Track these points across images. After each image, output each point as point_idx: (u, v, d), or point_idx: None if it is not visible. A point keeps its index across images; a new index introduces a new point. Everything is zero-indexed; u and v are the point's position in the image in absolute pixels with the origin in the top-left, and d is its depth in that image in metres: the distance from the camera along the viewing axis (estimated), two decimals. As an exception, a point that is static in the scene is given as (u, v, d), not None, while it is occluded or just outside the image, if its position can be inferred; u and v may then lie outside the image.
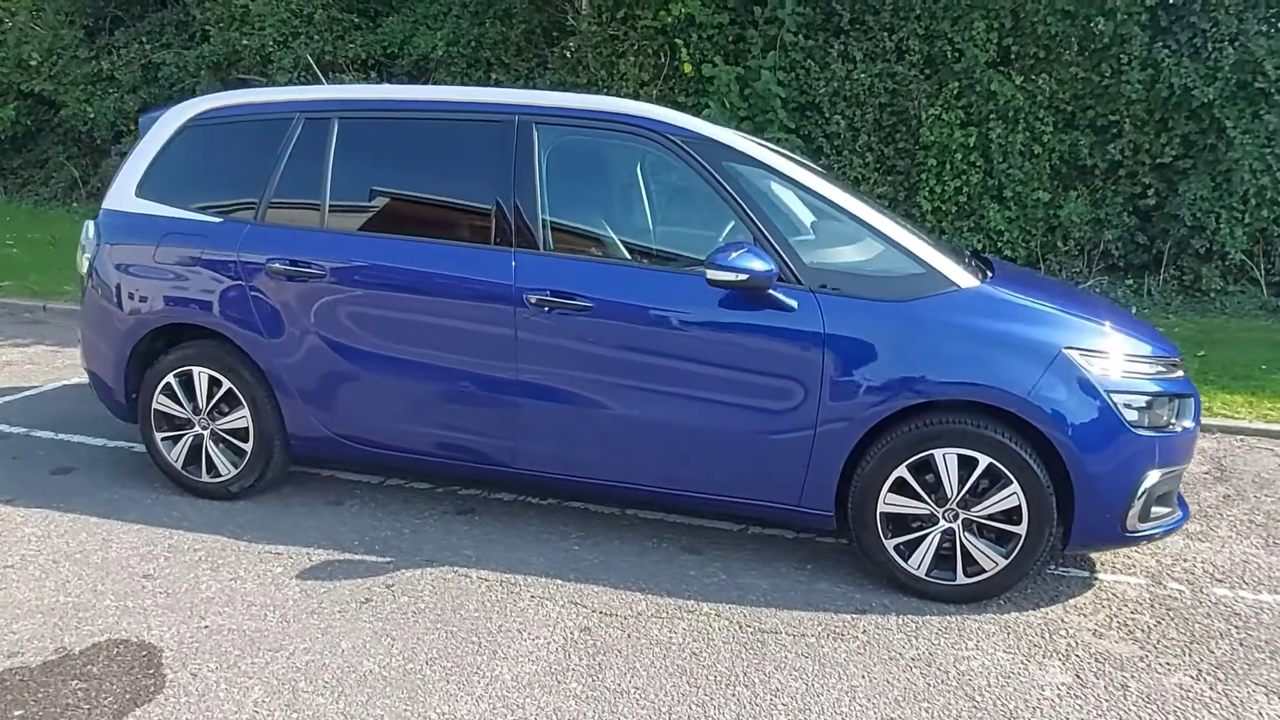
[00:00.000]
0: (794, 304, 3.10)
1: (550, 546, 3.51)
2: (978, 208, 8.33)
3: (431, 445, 3.58)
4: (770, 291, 3.08)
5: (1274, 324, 7.46)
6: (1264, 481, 4.52)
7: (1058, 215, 8.17)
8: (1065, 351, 3.00)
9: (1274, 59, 7.30)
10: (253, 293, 3.62)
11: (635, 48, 9.15)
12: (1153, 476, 3.05)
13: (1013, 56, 8.26)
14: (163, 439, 3.86)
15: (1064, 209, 8.11)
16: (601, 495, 3.75)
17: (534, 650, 2.79)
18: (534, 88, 9.63)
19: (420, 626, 2.90)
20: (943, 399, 3.03)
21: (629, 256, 3.41)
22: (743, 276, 3.00)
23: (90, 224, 4.00)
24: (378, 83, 9.83)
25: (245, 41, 10.46)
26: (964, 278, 3.17)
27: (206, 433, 3.80)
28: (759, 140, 3.58)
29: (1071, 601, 3.22)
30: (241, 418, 3.74)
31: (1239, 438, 5.18)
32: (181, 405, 3.80)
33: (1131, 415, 3.01)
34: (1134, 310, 7.27)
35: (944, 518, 3.10)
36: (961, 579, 3.11)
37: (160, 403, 3.82)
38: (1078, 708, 2.60)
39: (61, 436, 4.64)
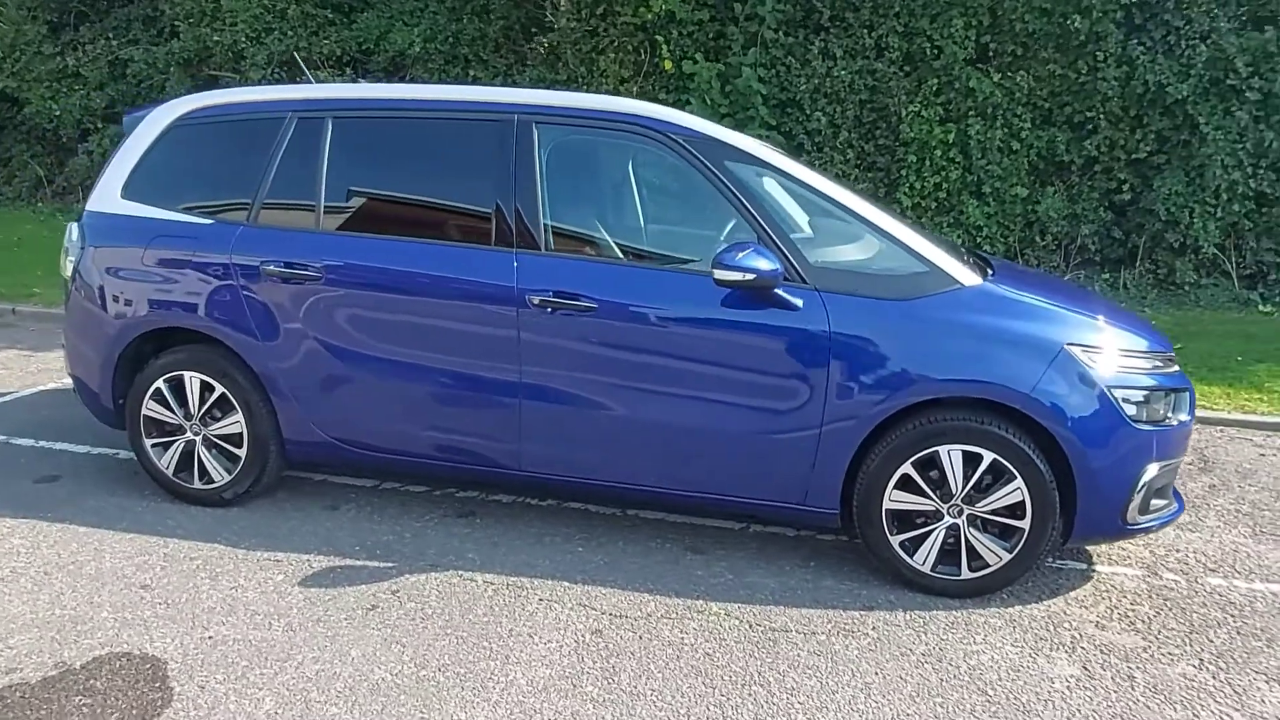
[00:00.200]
0: (799, 303, 3.11)
1: (554, 549, 3.49)
2: (957, 203, 8.41)
3: (432, 448, 3.54)
4: (776, 291, 3.09)
5: (1246, 316, 7.62)
6: (1246, 471, 4.62)
7: (1035, 210, 8.28)
8: (1067, 348, 3.03)
9: (1245, 56, 7.45)
10: (246, 295, 3.55)
11: (615, 44, 9.12)
12: (1152, 470, 3.10)
13: (991, 54, 8.35)
14: (153, 445, 3.78)
15: (1042, 204, 8.22)
16: (605, 496, 3.74)
17: (547, 654, 2.77)
18: (513, 85, 9.56)
19: (429, 632, 2.87)
20: (947, 396, 3.06)
21: (632, 257, 3.39)
22: (750, 276, 3.00)
23: (74, 226, 3.90)
24: (353, 80, 9.71)
25: (216, 38, 10.27)
26: (967, 275, 3.19)
27: (199, 438, 3.73)
28: (759, 139, 3.58)
29: (1072, 594, 3.26)
30: (235, 423, 3.67)
31: (1219, 429, 5.28)
32: (172, 411, 3.72)
33: (1131, 410, 3.06)
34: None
35: (949, 513, 3.12)
36: (966, 574, 3.14)
37: (150, 408, 3.74)
38: (1088, 699, 2.63)
39: (43, 444, 4.53)
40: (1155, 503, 3.20)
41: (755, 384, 3.15)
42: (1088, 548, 3.57)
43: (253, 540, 3.49)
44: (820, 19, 8.63)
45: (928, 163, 8.37)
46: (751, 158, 3.29)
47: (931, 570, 3.17)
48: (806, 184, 3.32)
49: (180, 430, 3.74)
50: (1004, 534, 3.12)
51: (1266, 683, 2.74)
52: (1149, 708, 2.61)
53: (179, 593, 3.08)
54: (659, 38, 8.78)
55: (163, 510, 3.74)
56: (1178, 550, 3.66)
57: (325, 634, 2.85)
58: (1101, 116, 7.99)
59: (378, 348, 3.47)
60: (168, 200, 3.75)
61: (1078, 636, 2.98)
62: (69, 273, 3.88)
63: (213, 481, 3.75)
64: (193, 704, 2.50)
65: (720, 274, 3.03)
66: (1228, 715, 2.59)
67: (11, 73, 11.40)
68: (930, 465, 3.10)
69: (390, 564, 3.33)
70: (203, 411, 3.70)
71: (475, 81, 9.66)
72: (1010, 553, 3.10)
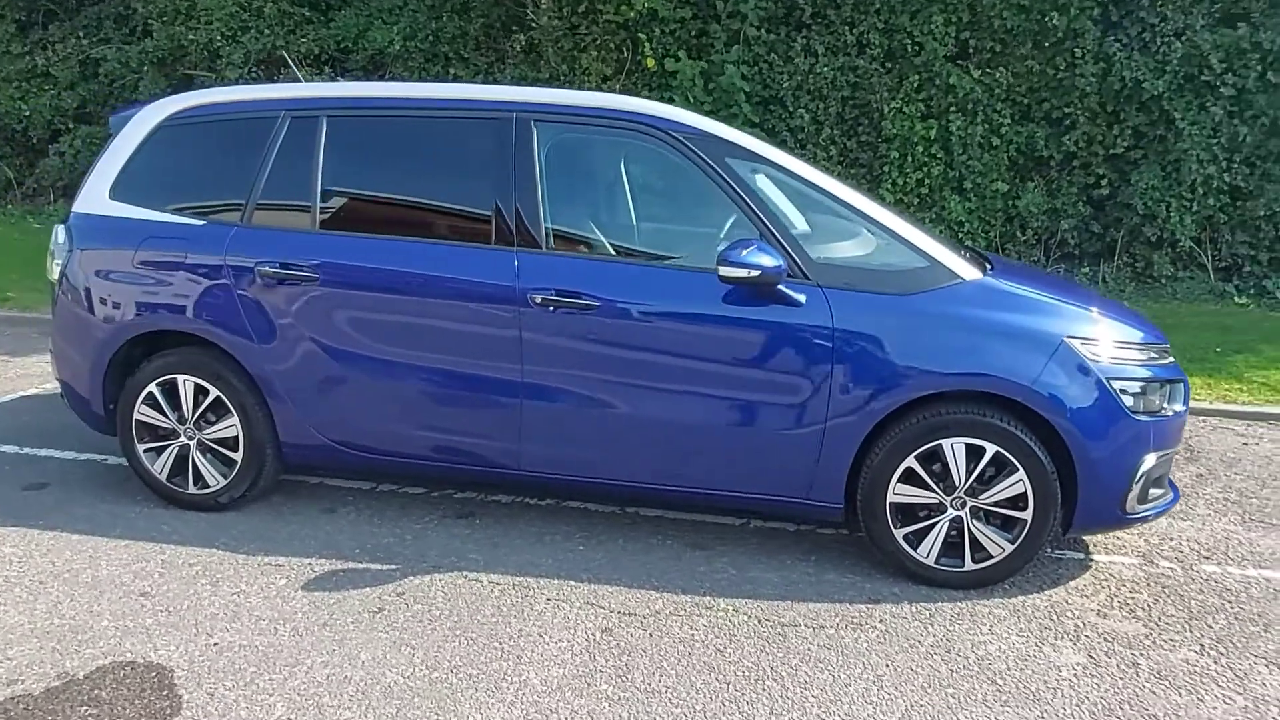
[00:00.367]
0: (802, 299, 3.12)
1: (556, 548, 3.48)
2: (939, 199, 8.49)
3: (431, 449, 3.52)
4: (780, 287, 3.10)
5: (1222, 308, 7.77)
6: (1231, 460, 4.70)
7: (1016, 205, 8.38)
8: (1067, 341, 3.07)
9: (1218, 53, 7.59)
10: (242, 297, 3.50)
11: (597, 42, 9.10)
12: (1150, 460, 3.15)
13: (970, 50, 8.44)
14: (145, 450, 3.71)
15: (1022, 199, 8.32)
16: (607, 495, 3.73)
17: (558, 653, 2.76)
18: (494, 82, 9.51)
19: (438, 634, 2.85)
20: (950, 390, 3.08)
21: (633, 254, 3.39)
22: (755, 273, 3.01)
23: (60, 228, 3.82)
24: (331, 78, 9.60)
25: (191, 36, 10.10)
26: (967, 270, 3.22)
27: (193, 443, 3.67)
28: (759, 136, 3.59)
29: (1072, 583, 3.31)
30: (231, 426, 3.62)
31: (1202, 419, 5.37)
32: (165, 415, 3.66)
33: (1129, 401, 3.10)
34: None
35: (952, 506, 3.15)
36: (970, 565, 3.18)
37: (142, 413, 3.67)
38: (1096, 686, 2.67)
39: (27, 451, 4.44)
40: (1153, 492, 3.26)
41: (759, 380, 3.16)
42: (1084, 538, 3.62)
43: (252, 545, 3.45)
44: (802, 16, 8.67)
45: (910, 159, 8.44)
46: (752, 154, 3.30)
47: (935, 563, 3.19)
48: (807, 180, 3.33)
49: (174, 435, 3.68)
50: (1006, 525, 3.15)
51: (1266, 666, 2.80)
52: (1155, 693, 2.65)
53: (180, 599, 3.04)
54: (641, 35, 8.78)
55: (156, 516, 3.68)
56: (1171, 539, 3.72)
57: (333, 638, 2.82)
58: (1080, 112, 8.10)
59: (376, 349, 3.44)
60: (157, 201, 3.68)
61: (1081, 625, 3.02)
62: (56, 276, 3.80)
63: (208, 486, 3.69)
64: (202, 711, 2.46)
65: (725, 271, 3.03)
66: (1230, 699, 2.64)
67: (-21, 73, 11.16)
68: (933, 458, 3.13)
69: (393, 566, 3.30)
70: (197, 415, 3.65)
71: (456, 79, 9.60)
72: (1013, 544, 3.14)
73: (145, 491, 3.81)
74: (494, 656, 2.74)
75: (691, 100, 8.62)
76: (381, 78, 9.90)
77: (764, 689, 2.62)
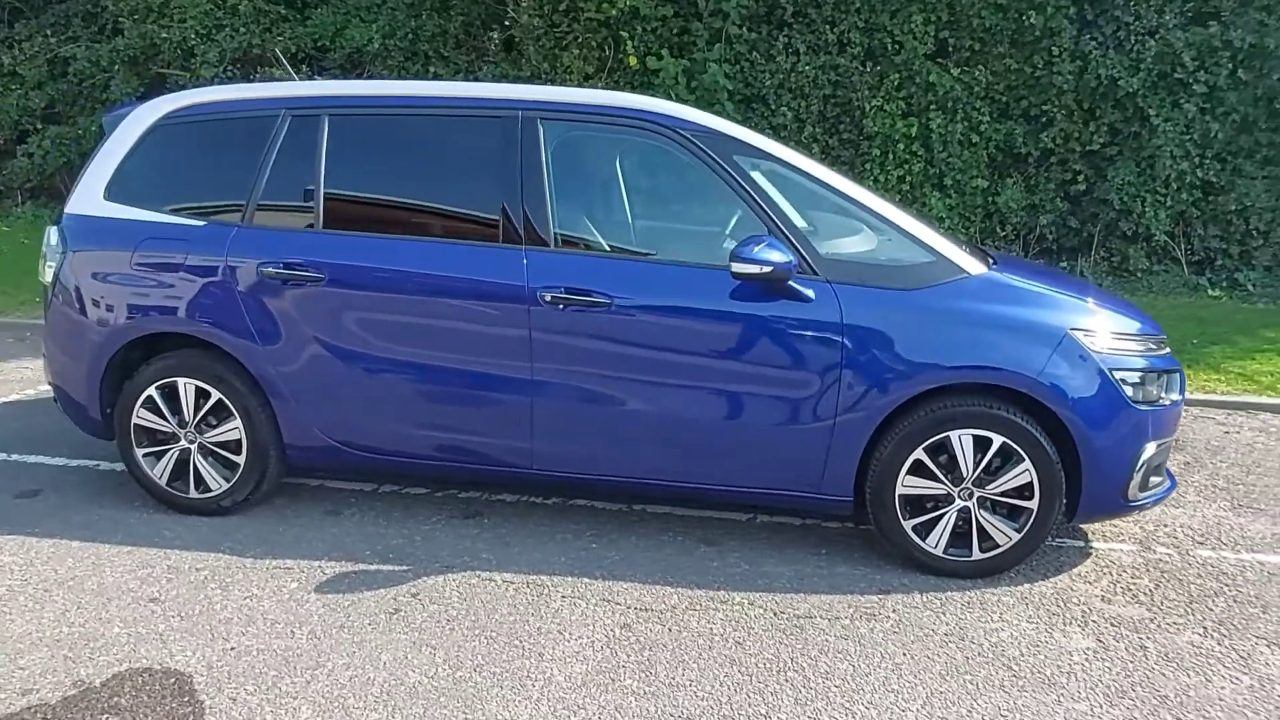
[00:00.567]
0: (812, 294, 3.16)
1: (567, 546, 3.48)
2: (920, 196, 8.59)
3: (441, 449, 3.51)
4: (790, 283, 3.13)
5: (1196, 300, 7.94)
6: (1215, 448, 4.82)
7: (995, 202, 8.51)
8: (1070, 333, 3.14)
9: (1190, 51, 7.76)
10: (244, 298, 3.46)
11: (578, 40, 9.09)
12: (1150, 449, 3.22)
13: (950, 49, 8.55)
14: (144, 455, 3.66)
15: (1001, 195, 8.45)
16: (617, 491, 3.73)
17: (580, 650, 2.77)
18: (475, 80, 9.46)
19: (458, 634, 2.85)
20: (958, 382, 3.13)
21: (642, 251, 3.40)
22: (767, 269, 3.04)
23: (52, 230, 3.75)
24: (309, 77, 9.49)
25: (164, 34, 9.92)
26: (972, 265, 3.28)
27: (194, 446, 3.62)
28: (763, 134, 3.61)
29: (1075, 570, 3.38)
30: (233, 429, 3.58)
31: (1184, 408, 5.49)
32: (165, 419, 3.61)
33: (1129, 391, 3.17)
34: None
35: (959, 497, 3.20)
36: (977, 554, 3.23)
37: (141, 417, 3.62)
38: (1107, 669, 2.73)
39: (15, 457, 4.35)
40: (1153, 480, 3.34)
41: (771, 376, 3.19)
42: (1082, 526, 3.70)
43: (258, 549, 3.41)
44: (783, 15, 8.73)
45: (891, 156, 8.53)
46: (759, 151, 3.33)
47: (944, 553, 3.24)
48: (813, 176, 3.37)
49: (174, 438, 3.63)
50: (1012, 515, 3.21)
51: (1268, 647, 2.88)
52: (1164, 675, 2.72)
53: (191, 605, 3.00)
54: (623, 33, 8.78)
55: (157, 521, 3.63)
56: (1165, 525, 3.81)
57: (351, 640, 2.80)
58: (1057, 110, 8.24)
59: (384, 348, 3.42)
60: (154, 201, 3.63)
61: (1087, 611, 3.08)
62: (49, 279, 3.73)
63: (210, 490, 3.65)
64: (226, 716, 2.44)
65: (738, 267, 3.06)
66: (1237, 679, 2.71)
67: (-59, 72, 10.87)
68: (940, 450, 3.18)
69: (405, 567, 3.28)
70: (198, 418, 3.60)
71: (436, 78, 9.53)
72: (1019, 533, 3.19)
73: (143, 496, 3.76)
74: (516, 655, 2.74)
75: (674, 99, 8.60)
76: (359, 76, 9.81)
77: (786, 680, 2.65)
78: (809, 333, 3.15)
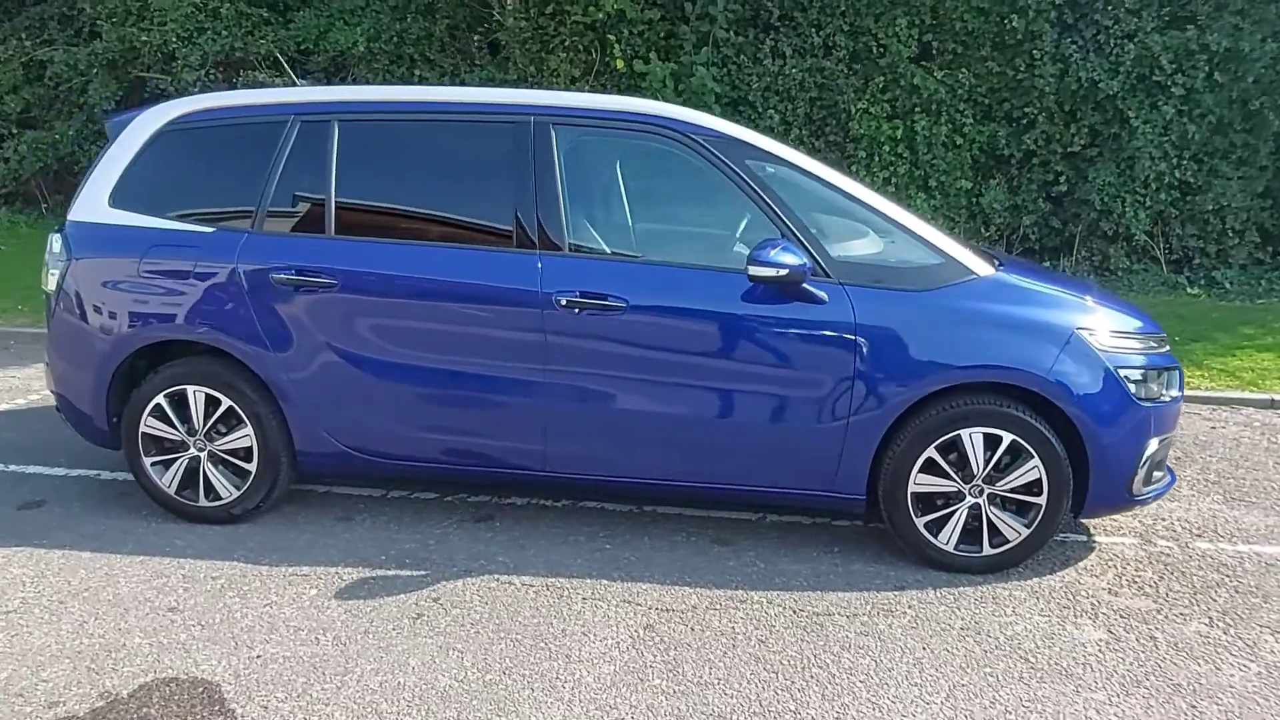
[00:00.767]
0: (825, 296, 3.20)
1: (582, 548, 3.50)
2: (905, 197, 8.68)
3: (454, 453, 3.52)
4: (804, 285, 3.17)
5: (1176, 298, 8.11)
6: (1204, 443, 4.94)
7: (979, 202, 8.64)
8: (1078, 332, 3.22)
9: (1168, 54, 7.93)
10: (255, 304, 3.45)
11: (565, 44, 9.11)
12: (1153, 444, 3.31)
13: (934, 52, 8.67)
14: (153, 464, 3.63)
15: (985, 196, 8.58)
16: (632, 493, 3.76)
17: (606, 651, 2.80)
18: (461, 84, 9.44)
19: (483, 637, 2.86)
20: (969, 381, 3.20)
21: (656, 255, 3.43)
22: (783, 272, 3.08)
23: (56, 237, 3.71)
24: (292, 82, 9.41)
25: (144, 38, 9.80)
26: (980, 266, 3.34)
27: (204, 454, 3.60)
28: (772, 138, 3.66)
29: (1081, 564, 3.45)
30: (244, 436, 3.56)
31: (1172, 404, 5.62)
32: (174, 427, 3.59)
33: (1133, 388, 3.26)
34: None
35: (970, 494, 3.27)
36: (988, 550, 3.30)
37: (149, 425, 3.59)
38: (1121, 660, 2.81)
39: (14, 468, 4.29)
40: (1155, 475, 3.43)
41: (785, 377, 3.24)
42: (1084, 520, 3.78)
43: (272, 556, 3.40)
44: (770, 18, 8.80)
45: (876, 158, 8.64)
46: (770, 155, 3.38)
47: (955, 549, 3.31)
48: (823, 179, 3.42)
49: (183, 447, 3.61)
50: (1022, 511, 3.28)
51: (1272, 635, 2.97)
52: (1176, 664, 2.80)
53: (211, 613, 2.99)
54: (610, 37, 8.81)
55: (167, 530, 3.61)
56: (1163, 519, 3.90)
57: (377, 645, 2.81)
58: (1038, 112, 8.38)
59: (397, 354, 3.42)
60: (161, 208, 3.61)
61: (1096, 603, 3.16)
62: (52, 287, 3.69)
63: (220, 498, 3.63)
64: (259, 724, 2.44)
65: (754, 270, 3.10)
66: (1245, 666, 2.79)
67: (-87, 76, 10.65)
68: (951, 448, 3.24)
69: (422, 572, 3.29)
70: (208, 426, 3.58)
71: (422, 81, 9.50)
72: (1028, 528, 3.26)
73: (150, 505, 3.73)
74: (543, 657, 2.76)
75: (661, 102, 8.67)
76: (343, 80, 9.75)
77: (811, 676, 2.69)
78: (823, 334, 3.20)
